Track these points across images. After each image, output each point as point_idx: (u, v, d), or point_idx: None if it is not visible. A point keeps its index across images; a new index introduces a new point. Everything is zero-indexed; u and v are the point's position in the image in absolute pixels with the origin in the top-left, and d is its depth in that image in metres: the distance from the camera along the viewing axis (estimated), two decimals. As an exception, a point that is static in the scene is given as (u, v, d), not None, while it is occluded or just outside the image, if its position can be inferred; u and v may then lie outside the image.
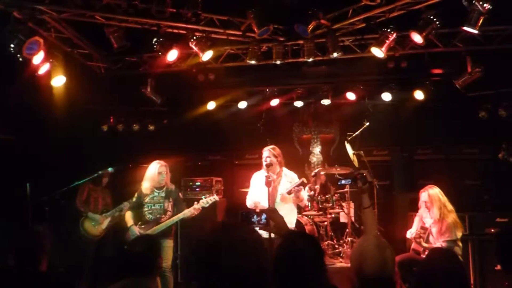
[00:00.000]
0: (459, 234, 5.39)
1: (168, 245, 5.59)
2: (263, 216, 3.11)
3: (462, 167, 7.84)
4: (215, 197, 5.78)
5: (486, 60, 6.27)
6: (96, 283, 6.48)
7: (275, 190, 5.33)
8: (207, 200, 5.66)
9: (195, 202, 5.66)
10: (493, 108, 7.29)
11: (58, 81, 6.01)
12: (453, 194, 5.81)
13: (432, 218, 5.47)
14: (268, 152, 5.39)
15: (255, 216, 3.11)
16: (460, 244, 5.42)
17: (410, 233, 5.73)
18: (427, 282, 2.49)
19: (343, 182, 6.72)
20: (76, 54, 6.63)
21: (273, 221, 3.11)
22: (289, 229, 3.14)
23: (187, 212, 5.55)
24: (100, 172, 6.39)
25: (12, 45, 5.14)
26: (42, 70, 5.72)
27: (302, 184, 5.39)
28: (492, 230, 6.26)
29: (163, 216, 5.61)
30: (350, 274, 2.56)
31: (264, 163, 5.37)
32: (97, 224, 6.54)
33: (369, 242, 2.54)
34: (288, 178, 5.44)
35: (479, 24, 5.12)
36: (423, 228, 5.56)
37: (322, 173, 7.49)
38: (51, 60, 5.79)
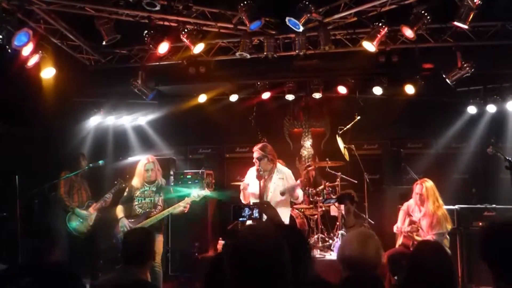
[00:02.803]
0: (449, 227, 5.48)
1: (159, 239, 5.50)
2: (255, 210, 3.12)
3: (451, 161, 7.91)
4: (205, 192, 5.74)
5: (476, 55, 6.32)
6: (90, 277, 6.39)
7: (265, 186, 5.29)
8: (198, 194, 5.61)
9: (185, 198, 5.57)
10: (482, 103, 7.37)
11: (48, 73, 5.94)
12: (442, 187, 5.87)
13: (424, 212, 5.52)
14: (257, 153, 5.33)
15: (246, 210, 3.12)
16: (448, 237, 5.52)
17: (397, 227, 5.77)
18: (416, 275, 2.52)
19: (332, 201, 6.85)
20: (66, 46, 6.56)
21: (266, 214, 3.13)
22: (281, 222, 3.16)
23: (177, 207, 5.52)
24: (91, 165, 6.35)
25: (0, 37, 5.06)
26: (31, 62, 5.65)
27: (297, 185, 5.37)
28: (480, 224, 6.34)
29: (153, 210, 5.57)
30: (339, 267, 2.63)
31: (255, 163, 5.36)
32: (84, 220, 6.30)
33: (352, 232, 2.64)
34: (280, 175, 5.36)
35: (469, 20, 5.16)
36: (413, 221, 5.60)
37: (310, 167, 7.54)
38: (40, 52, 5.71)
